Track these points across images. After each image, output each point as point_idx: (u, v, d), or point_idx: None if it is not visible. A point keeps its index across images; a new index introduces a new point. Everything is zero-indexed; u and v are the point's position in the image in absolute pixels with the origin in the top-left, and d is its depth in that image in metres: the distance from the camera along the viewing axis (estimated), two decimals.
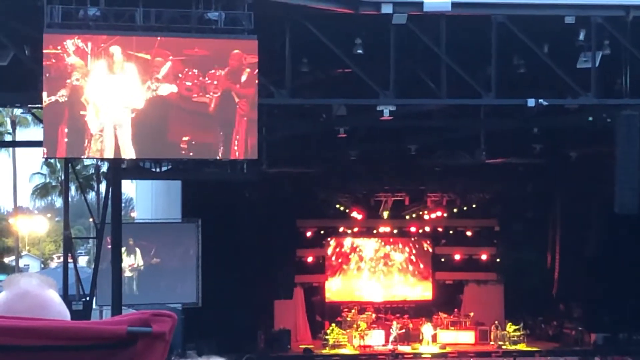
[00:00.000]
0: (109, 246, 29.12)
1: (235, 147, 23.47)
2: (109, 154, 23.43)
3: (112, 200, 28.84)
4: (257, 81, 23.41)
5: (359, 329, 36.86)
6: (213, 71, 23.24)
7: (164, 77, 22.99)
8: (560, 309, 38.55)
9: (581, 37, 24.51)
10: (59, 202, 62.44)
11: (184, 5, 22.94)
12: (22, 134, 51.98)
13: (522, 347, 36.41)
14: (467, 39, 24.28)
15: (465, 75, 24.84)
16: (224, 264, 33.31)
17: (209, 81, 23.26)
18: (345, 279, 41.08)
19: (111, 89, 22.80)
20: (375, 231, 41.04)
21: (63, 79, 22.45)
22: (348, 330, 36.99)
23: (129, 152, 23.36)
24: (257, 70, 23.24)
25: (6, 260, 58.92)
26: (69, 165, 33.78)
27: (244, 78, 23.22)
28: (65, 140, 22.74)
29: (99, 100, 22.74)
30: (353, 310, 38.77)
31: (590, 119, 27.84)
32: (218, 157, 24.57)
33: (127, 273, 31.63)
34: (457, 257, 40.81)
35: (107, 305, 29.80)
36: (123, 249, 31.36)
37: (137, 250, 32.90)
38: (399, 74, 24.49)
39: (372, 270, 41.46)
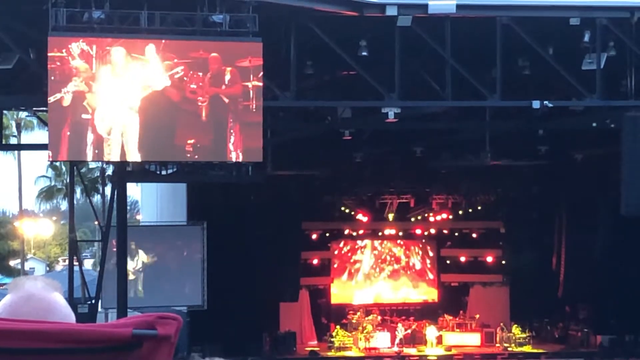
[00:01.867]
0: (114, 249, 29.14)
1: (232, 149, 23.45)
2: (115, 157, 23.46)
3: (117, 203, 28.87)
4: (260, 83, 23.43)
5: (365, 331, 36.83)
6: None
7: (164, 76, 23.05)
8: (566, 310, 38.48)
9: (586, 38, 24.48)
10: (64, 205, 62.53)
11: (188, 8, 22.96)
12: (27, 137, 52.05)
13: (527, 349, 36.35)
14: (472, 41, 24.29)
15: (470, 77, 24.83)
16: (229, 266, 33.30)
17: (206, 90, 23.35)
18: (350, 281, 41.05)
19: (115, 91, 22.83)
20: (380, 233, 41.00)
21: (68, 82, 22.48)
22: (353, 333, 36.96)
23: (134, 155, 23.40)
24: (262, 73, 23.28)
25: (12, 263, 59.00)
26: (74, 168, 33.81)
27: (227, 79, 23.24)
28: (70, 143, 22.77)
29: (104, 103, 22.78)
30: (358, 313, 38.74)
31: (595, 124, 27.83)
32: (220, 160, 24.65)
33: (131, 276, 31.63)
34: (462, 259, 40.75)
35: (113, 308, 29.83)
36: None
37: (141, 252, 32.89)
38: (404, 76, 24.48)
39: (377, 272, 41.42)
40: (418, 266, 41.60)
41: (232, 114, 23.40)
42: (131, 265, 31.92)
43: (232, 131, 23.36)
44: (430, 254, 41.51)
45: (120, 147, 22.94)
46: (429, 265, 41.53)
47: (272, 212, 35.83)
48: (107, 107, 22.82)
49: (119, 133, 22.87)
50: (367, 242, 41.36)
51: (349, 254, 41.17)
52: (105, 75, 22.69)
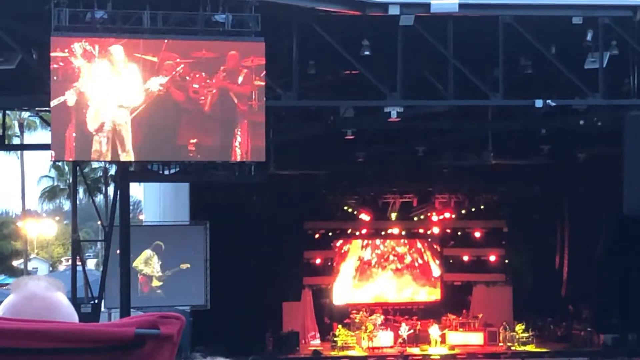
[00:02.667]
0: (118, 250, 29.12)
1: (238, 149, 23.46)
2: (118, 157, 23.46)
3: (120, 203, 28.86)
4: (263, 83, 23.44)
5: (368, 331, 36.82)
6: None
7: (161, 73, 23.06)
8: (569, 310, 38.46)
9: (589, 37, 24.48)
10: (67, 205, 62.52)
11: (191, 8, 22.97)
12: (30, 137, 52.10)
13: (531, 348, 36.32)
14: (475, 40, 24.27)
15: (472, 77, 24.82)
16: (232, 266, 33.30)
17: (215, 83, 23.33)
18: (353, 280, 41.05)
19: (112, 89, 22.83)
20: (383, 233, 40.99)
21: (70, 82, 22.50)
22: (356, 332, 36.94)
23: (137, 155, 23.40)
24: (264, 72, 23.29)
25: (15, 263, 59.02)
26: (77, 168, 33.81)
27: (240, 79, 23.24)
28: (73, 143, 22.78)
29: (100, 101, 22.77)
30: (361, 312, 38.73)
31: (599, 123, 27.81)
32: (224, 160, 24.65)
33: (156, 282, 31.62)
34: (465, 258, 40.74)
35: (116, 307, 29.83)
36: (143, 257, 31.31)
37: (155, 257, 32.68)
38: (407, 75, 24.47)
39: (380, 272, 41.41)
40: (420, 265, 41.60)
41: (239, 113, 23.41)
42: (147, 271, 31.79)
43: (238, 131, 23.37)
44: (432, 253, 41.50)
45: (123, 147, 22.95)
46: (432, 265, 41.52)
47: (274, 212, 35.84)
48: (108, 107, 22.83)
49: (122, 133, 22.88)
50: (370, 241, 41.36)
51: (351, 254, 41.17)
52: (107, 74, 22.69)
